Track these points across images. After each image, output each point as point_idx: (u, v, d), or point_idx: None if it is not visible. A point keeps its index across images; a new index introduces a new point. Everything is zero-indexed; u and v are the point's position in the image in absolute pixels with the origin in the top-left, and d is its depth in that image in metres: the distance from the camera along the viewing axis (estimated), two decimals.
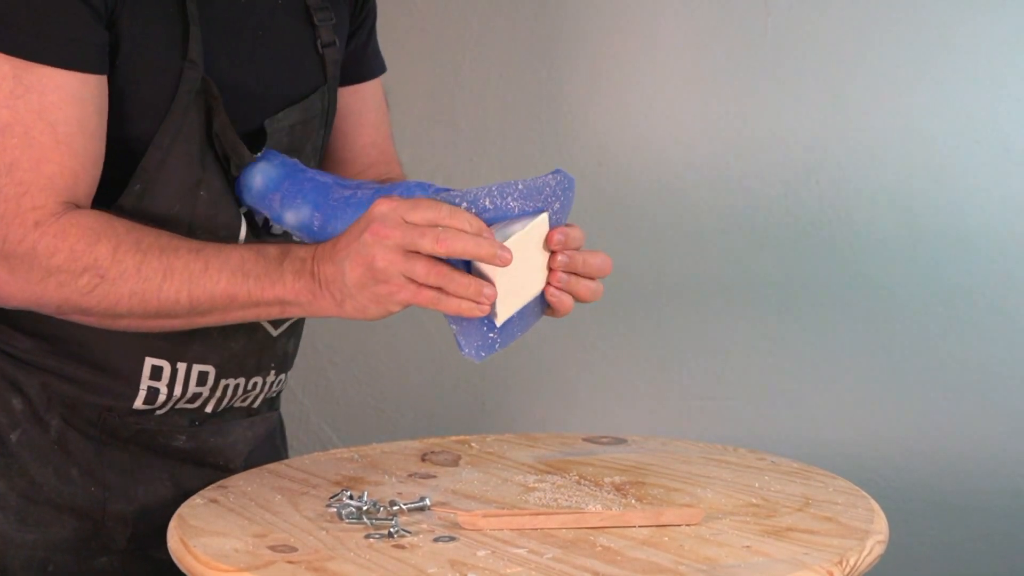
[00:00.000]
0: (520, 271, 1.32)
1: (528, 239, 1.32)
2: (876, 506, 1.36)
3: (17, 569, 1.43)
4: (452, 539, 1.24)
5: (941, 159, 2.24)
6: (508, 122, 2.37)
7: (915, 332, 2.28)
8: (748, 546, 1.22)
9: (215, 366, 1.48)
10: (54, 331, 1.43)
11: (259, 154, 1.46)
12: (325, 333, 2.47)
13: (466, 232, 1.27)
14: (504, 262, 1.27)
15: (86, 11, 1.32)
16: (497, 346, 1.38)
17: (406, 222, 1.27)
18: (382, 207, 1.29)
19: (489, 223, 1.31)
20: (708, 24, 2.28)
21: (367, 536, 1.26)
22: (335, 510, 1.33)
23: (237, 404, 1.54)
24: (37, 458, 1.44)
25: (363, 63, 1.67)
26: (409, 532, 1.26)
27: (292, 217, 1.44)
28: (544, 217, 1.33)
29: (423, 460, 1.54)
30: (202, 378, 1.48)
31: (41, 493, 1.44)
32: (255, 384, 1.54)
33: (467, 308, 1.30)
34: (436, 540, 1.24)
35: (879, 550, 1.26)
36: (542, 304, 1.38)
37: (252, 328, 1.50)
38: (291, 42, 1.50)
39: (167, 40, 1.39)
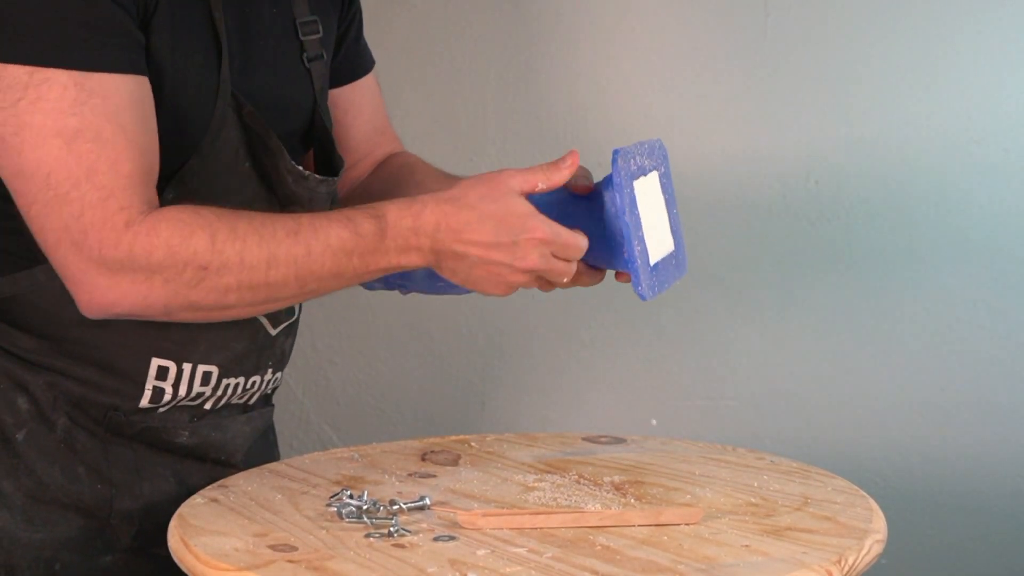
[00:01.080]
0: (649, 217, 1.42)
1: (648, 188, 1.43)
2: (875, 505, 1.36)
3: (24, 568, 1.43)
4: (452, 538, 1.25)
5: (941, 159, 2.24)
6: (508, 122, 2.37)
7: (914, 332, 2.28)
8: (747, 545, 1.23)
9: (218, 366, 1.49)
10: (60, 332, 1.43)
11: None
12: (325, 333, 2.47)
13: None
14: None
15: (127, 17, 1.32)
16: (659, 288, 1.45)
17: (553, 255, 1.35)
18: (539, 233, 1.34)
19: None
20: (708, 24, 2.29)
21: (367, 535, 1.26)
22: (335, 509, 1.33)
23: (234, 401, 1.55)
24: (43, 457, 1.44)
25: (355, 61, 1.69)
26: (409, 531, 1.26)
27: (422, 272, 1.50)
28: (656, 175, 1.46)
29: (423, 460, 1.54)
30: (206, 378, 1.49)
31: (48, 492, 1.44)
32: (253, 383, 1.55)
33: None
34: (436, 539, 1.24)
35: (878, 549, 1.26)
36: (682, 261, 1.52)
37: (254, 329, 1.51)
38: (281, 56, 1.52)
39: (202, 52, 1.40)
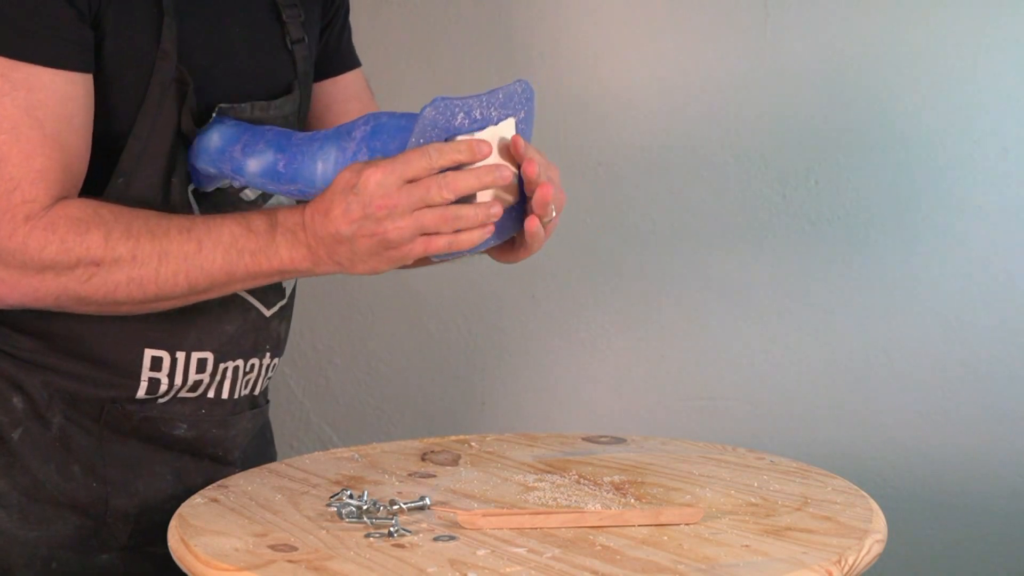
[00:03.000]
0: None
1: (495, 137, 1.37)
2: (875, 505, 1.36)
3: (21, 567, 1.44)
4: (452, 538, 1.25)
5: (941, 159, 2.24)
6: None
7: (914, 332, 2.28)
8: (747, 545, 1.23)
9: (213, 351, 1.49)
10: (53, 329, 1.43)
11: (214, 117, 1.46)
12: (325, 333, 2.47)
13: (463, 163, 1.30)
14: (506, 178, 1.32)
15: (71, 11, 1.34)
16: (491, 240, 1.39)
17: (406, 182, 1.29)
18: (375, 176, 1.29)
19: (466, 132, 1.33)
20: (708, 24, 2.29)
21: (367, 535, 1.26)
22: (335, 509, 1.33)
23: (241, 392, 1.54)
24: (39, 456, 1.44)
25: (340, 56, 1.68)
26: (409, 531, 1.26)
27: (255, 164, 1.43)
28: (511, 122, 1.39)
29: (423, 460, 1.54)
30: (201, 365, 1.49)
31: (43, 491, 1.44)
32: (252, 366, 1.54)
33: (479, 236, 1.33)
34: (436, 539, 1.24)
35: (878, 549, 1.26)
36: (518, 221, 1.40)
37: (245, 309, 1.51)
38: (261, 38, 1.52)
39: (145, 33, 1.40)
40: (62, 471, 1.45)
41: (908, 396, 2.30)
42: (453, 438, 1.63)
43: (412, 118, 1.35)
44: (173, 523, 1.31)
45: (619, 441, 1.62)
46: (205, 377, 1.50)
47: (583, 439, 1.63)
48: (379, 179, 1.29)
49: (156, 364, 1.46)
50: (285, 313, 1.58)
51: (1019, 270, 2.24)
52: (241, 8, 1.50)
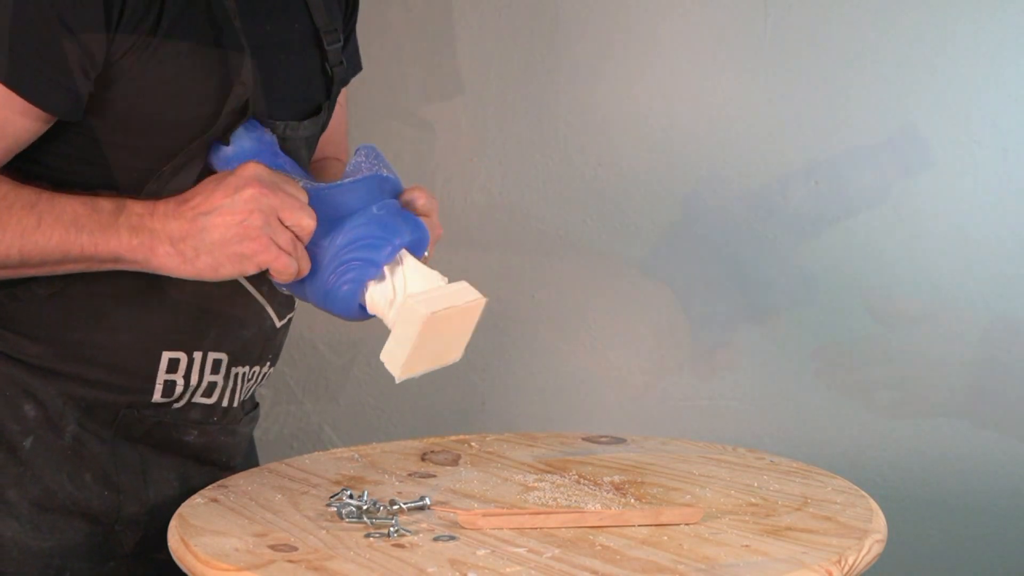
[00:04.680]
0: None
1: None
2: (875, 505, 1.36)
3: None
4: (452, 538, 1.25)
5: (941, 159, 2.24)
6: (508, 122, 2.37)
7: (914, 332, 2.28)
8: (747, 545, 1.23)
9: (228, 353, 1.49)
10: (66, 338, 1.43)
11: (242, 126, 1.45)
12: (325, 333, 2.47)
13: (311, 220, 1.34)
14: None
15: (76, 60, 1.33)
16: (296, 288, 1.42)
17: (283, 191, 1.32)
18: (259, 169, 1.32)
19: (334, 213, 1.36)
20: (708, 24, 2.29)
21: (367, 535, 1.26)
22: (335, 509, 1.33)
23: (242, 399, 1.55)
24: (51, 464, 1.44)
25: (348, 67, 1.68)
26: (409, 531, 1.26)
27: None
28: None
29: (423, 460, 1.54)
30: (216, 366, 1.49)
31: (54, 500, 1.44)
32: (255, 373, 1.55)
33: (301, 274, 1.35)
34: (436, 539, 1.24)
35: (878, 549, 1.26)
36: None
37: (262, 317, 1.51)
38: (304, 63, 1.52)
39: (210, 63, 1.39)
40: (74, 479, 1.44)
41: (908, 396, 2.30)
42: (453, 438, 1.63)
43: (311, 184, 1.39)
44: (173, 523, 1.31)
45: (619, 441, 1.62)
46: (219, 379, 1.50)
47: (583, 439, 1.63)
48: (262, 173, 1.32)
49: (173, 366, 1.46)
50: (289, 325, 1.59)
51: (1019, 270, 2.24)
52: (290, 35, 1.49)
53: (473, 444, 1.61)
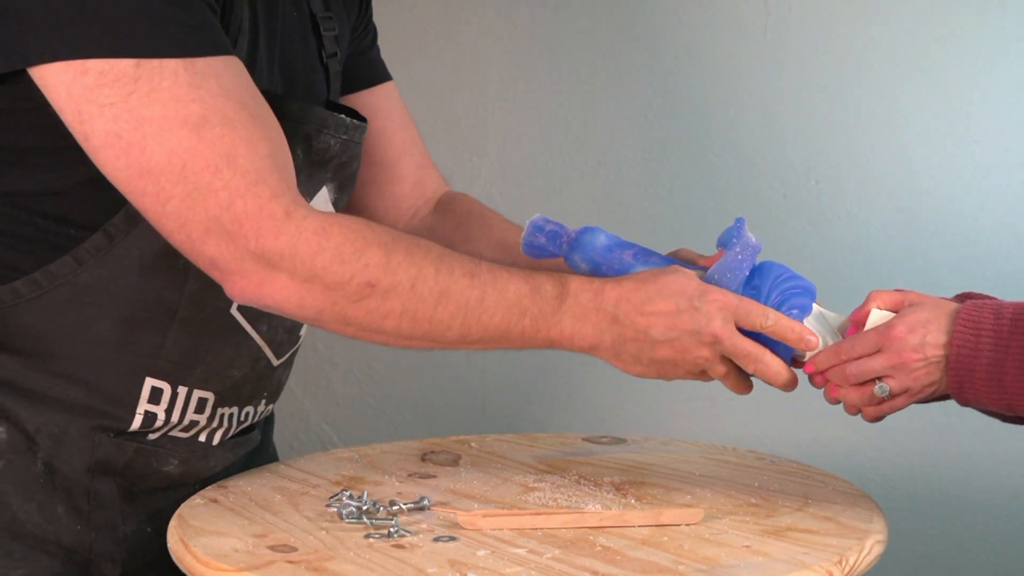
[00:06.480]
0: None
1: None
2: (875, 506, 1.36)
3: None
4: (452, 539, 1.25)
5: (941, 159, 2.24)
6: (508, 122, 2.37)
7: None
8: (748, 546, 1.23)
9: (215, 393, 1.42)
10: (45, 348, 1.34)
11: (534, 219, 1.43)
12: (325, 333, 2.47)
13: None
14: (810, 345, 1.40)
15: (212, 5, 1.26)
16: None
17: (745, 347, 1.33)
18: (721, 301, 1.32)
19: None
20: (707, 24, 2.28)
21: (367, 536, 1.26)
22: (335, 510, 1.33)
23: (233, 435, 1.48)
24: (21, 492, 1.34)
25: (374, 67, 1.66)
26: (409, 532, 1.26)
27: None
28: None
29: (423, 460, 1.54)
30: (201, 405, 1.42)
31: (23, 528, 1.34)
32: (247, 414, 1.48)
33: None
34: (436, 540, 1.24)
35: (878, 550, 1.26)
36: None
37: (256, 358, 1.44)
38: (302, 50, 1.48)
39: (240, 50, 1.35)
40: (44, 511, 1.35)
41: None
42: (453, 438, 1.63)
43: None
44: (172, 523, 1.31)
45: (619, 441, 1.62)
46: (202, 419, 1.42)
47: (583, 439, 1.63)
48: (721, 307, 1.31)
49: (155, 396, 1.38)
50: (291, 360, 1.51)
51: (1019, 270, 2.24)
52: (287, 22, 1.44)
53: (473, 444, 1.61)
